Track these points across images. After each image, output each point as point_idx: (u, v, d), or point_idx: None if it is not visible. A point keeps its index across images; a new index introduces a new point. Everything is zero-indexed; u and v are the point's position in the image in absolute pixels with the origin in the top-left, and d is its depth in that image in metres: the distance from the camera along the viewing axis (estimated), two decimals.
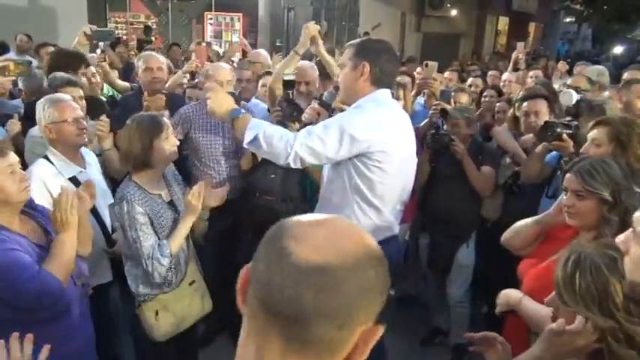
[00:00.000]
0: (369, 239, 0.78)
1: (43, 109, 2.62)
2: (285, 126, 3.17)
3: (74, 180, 2.65)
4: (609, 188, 1.83)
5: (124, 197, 2.39)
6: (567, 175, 1.95)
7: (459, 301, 3.61)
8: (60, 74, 3.29)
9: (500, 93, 4.72)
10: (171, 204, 2.58)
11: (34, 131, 2.93)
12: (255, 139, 2.33)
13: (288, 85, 3.43)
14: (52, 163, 2.63)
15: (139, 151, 2.40)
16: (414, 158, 2.56)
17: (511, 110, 3.80)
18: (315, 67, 3.82)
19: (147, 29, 10.39)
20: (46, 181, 2.54)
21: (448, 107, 3.60)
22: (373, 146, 2.28)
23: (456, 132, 3.43)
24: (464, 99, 4.14)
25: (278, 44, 10.75)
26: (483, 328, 1.76)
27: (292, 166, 2.34)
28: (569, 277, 1.37)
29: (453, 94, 4.25)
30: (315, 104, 3.17)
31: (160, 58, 3.92)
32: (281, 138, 2.29)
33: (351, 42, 2.48)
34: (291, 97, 3.36)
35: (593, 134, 2.39)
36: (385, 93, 2.40)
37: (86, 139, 2.74)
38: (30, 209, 2.13)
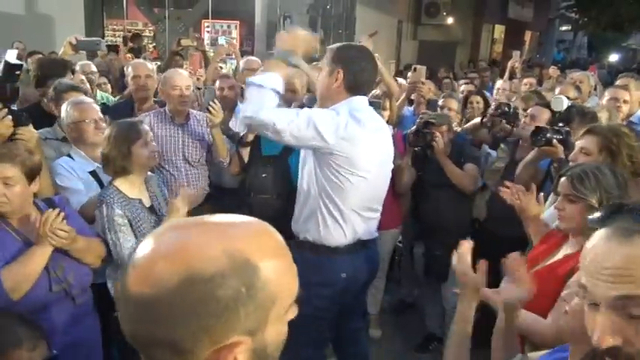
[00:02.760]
0: (196, 257, 0.72)
1: (66, 110, 2.82)
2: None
3: (94, 174, 2.81)
4: (597, 195, 1.84)
5: (104, 201, 2.45)
6: (561, 180, 1.98)
7: (454, 306, 3.60)
8: (65, 80, 3.36)
9: (485, 100, 4.73)
10: (152, 209, 2.62)
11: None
12: (259, 85, 2.31)
13: None
14: (74, 159, 2.82)
15: (118, 156, 2.47)
16: (386, 166, 2.55)
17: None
18: (303, 74, 3.87)
19: (135, 37, 10.33)
20: (70, 171, 2.75)
21: (432, 119, 3.60)
22: (335, 150, 2.30)
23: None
24: (453, 105, 4.16)
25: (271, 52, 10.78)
26: (476, 331, 1.74)
27: (241, 126, 2.40)
28: None
29: (441, 100, 4.27)
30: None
31: (149, 65, 3.95)
32: (266, 99, 2.29)
33: (331, 46, 2.46)
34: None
35: (582, 143, 2.39)
36: (360, 100, 2.39)
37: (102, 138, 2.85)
38: (49, 205, 2.21)
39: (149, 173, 2.73)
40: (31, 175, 2.09)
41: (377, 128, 2.47)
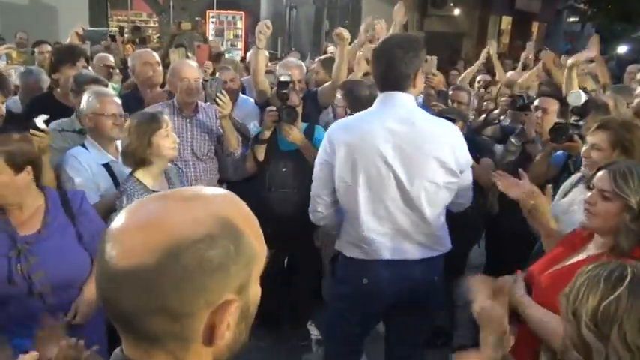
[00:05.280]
0: (182, 222, 0.73)
1: (87, 100, 2.78)
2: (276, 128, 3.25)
3: (107, 167, 2.79)
4: (638, 196, 1.72)
5: (124, 192, 2.45)
6: (599, 173, 1.84)
7: (466, 301, 3.58)
8: (85, 72, 3.39)
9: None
10: None
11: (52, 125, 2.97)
12: None
13: (282, 85, 3.26)
14: (87, 150, 2.80)
15: (139, 147, 2.47)
16: (393, 169, 2.26)
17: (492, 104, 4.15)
18: (303, 65, 3.95)
19: (135, 30, 10.26)
20: (80, 160, 2.72)
21: (451, 115, 3.54)
22: (332, 147, 2.31)
23: None
24: (464, 98, 4.09)
25: (272, 52, 10.68)
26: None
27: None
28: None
29: (451, 92, 4.20)
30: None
31: (155, 55, 3.95)
32: None
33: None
34: (286, 97, 3.24)
35: (593, 139, 2.31)
36: (387, 96, 2.31)
37: (120, 134, 2.80)
38: (61, 198, 2.23)
39: (169, 164, 2.70)
40: (18, 165, 2.04)
41: (392, 125, 2.41)
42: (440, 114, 3.48)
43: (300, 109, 3.34)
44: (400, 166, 2.23)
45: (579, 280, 1.30)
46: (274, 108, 3.19)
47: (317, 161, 2.42)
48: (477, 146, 3.47)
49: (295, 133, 3.20)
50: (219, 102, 3.17)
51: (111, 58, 4.71)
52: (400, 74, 2.22)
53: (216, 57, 6.09)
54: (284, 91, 3.19)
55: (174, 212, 0.74)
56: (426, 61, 4.21)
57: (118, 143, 2.85)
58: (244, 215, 0.80)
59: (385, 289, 2.42)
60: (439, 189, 2.29)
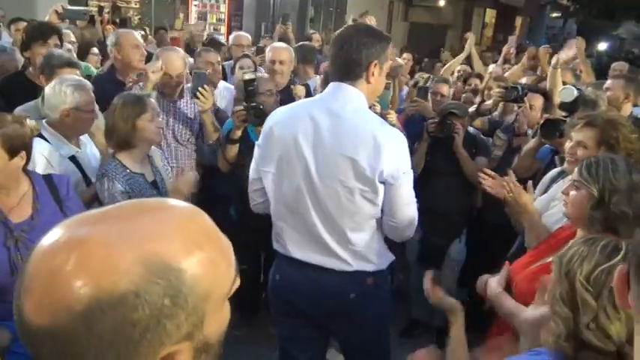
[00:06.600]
0: (102, 271, 0.59)
1: (66, 93, 2.54)
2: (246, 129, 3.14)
3: (73, 159, 2.64)
4: (599, 185, 1.77)
5: (106, 174, 2.40)
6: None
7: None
8: (59, 52, 3.14)
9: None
10: (154, 184, 2.58)
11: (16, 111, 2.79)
12: None
13: (248, 83, 3.10)
14: (48, 141, 2.57)
15: (123, 129, 2.43)
16: (305, 161, 2.01)
17: (478, 98, 4.14)
18: (290, 48, 3.89)
19: (116, 10, 10.01)
20: (46, 155, 2.52)
21: (454, 110, 3.51)
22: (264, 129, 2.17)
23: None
24: (445, 90, 4.09)
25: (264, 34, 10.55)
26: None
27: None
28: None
29: (433, 85, 4.19)
30: None
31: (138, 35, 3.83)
32: None
33: None
34: (252, 95, 3.10)
35: (579, 136, 2.33)
36: (333, 86, 2.05)
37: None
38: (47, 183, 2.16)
39: (153, 147, 2.65)
40: (13, 148, 1.95)
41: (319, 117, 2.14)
42: (443, 110, 3.48)
43: (276, 98, 3.27)
44: (313, 160, 1.98)
45: (573, 248, 1.35)
46: (242, 107, 3.09)
47: (256, 144, 2.22)
48: (475, 143, 3.53)
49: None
50: (200, 97, 3.12)
51: (72, 37, 4.55)
52: (349, 59, 1.94)
53: (187, 48, 5.96)
54: (250, 88, 3.08)
55: (97, 254, 0.60)
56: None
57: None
58: (194, 242, 0.65)
59: (296, 291, 2.19)
60: (353, 195, 1.97)
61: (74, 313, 0.58)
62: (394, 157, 1.96)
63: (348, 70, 1.97)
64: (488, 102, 3.98)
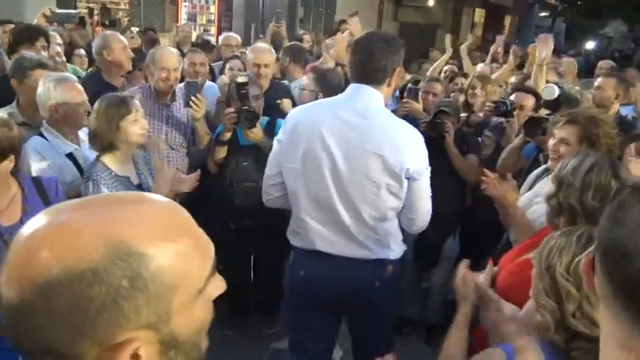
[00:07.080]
0: (68, 249, 0.62)
1: (50, 88, 2.57)
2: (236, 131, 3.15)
3: (71, 157, 2.64)
4: (558, 178, 1.84)
5: (90, 177, 2.37)
6: None
7: (439, 290, 3.72)
8: (29, 55, 3.09)
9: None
10: (140, 188, 2.55)
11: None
12: None
13: (240, 86, 3.11)
14: (47, 140, 2.61)
15: (106, 131, 2.40)
16: (333, 158, 2.14)
17: (462, 97, 4.11)
18: (272, 49, 3.86)
19: (105, 12, 9.96)
20: (43, 154, 2.55)
21: (445, 108, 3.54)
22: (285, 126, 2.28)
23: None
24: (438, 89, 4.12)
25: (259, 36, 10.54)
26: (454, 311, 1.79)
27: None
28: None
29: (425, 84, 4.22)
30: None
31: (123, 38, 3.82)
32: None
33: None
34: (245, 98, 3.11)
35: (562, 133, 2.36)
36: (356, 87, 2.20)
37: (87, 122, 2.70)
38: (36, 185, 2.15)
39: (138, 150, 2.63)
40: (2, 151, 1.96)
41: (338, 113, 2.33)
42: (437, 107, 3.50)
43: (261, 102, 3.28)
44: (342, 157, 2.11)
45: (551, 242, 1.39)
46: (233, 110, 3.10)
47: (275, 139, 2.34)
48: (466, 141, 3.55)
49: (255, 135, 3.11)
50: (193, 105, 3.13)
51: (58, 39, 4.51)
52: (379, 66, 2.12)
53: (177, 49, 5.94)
54: (242, 91, 3.09)
55: (65, 235, 0.64)
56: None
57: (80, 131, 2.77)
58: (164, 233, 0.67)
59: (321, 284, 2.29)
60: (379, 189, 2.12)
61: (36, 286, 0.61)
62: (417, 153, 2.15)
63: (376, 75, 2.13)
64: (480, 114, 3.99)
